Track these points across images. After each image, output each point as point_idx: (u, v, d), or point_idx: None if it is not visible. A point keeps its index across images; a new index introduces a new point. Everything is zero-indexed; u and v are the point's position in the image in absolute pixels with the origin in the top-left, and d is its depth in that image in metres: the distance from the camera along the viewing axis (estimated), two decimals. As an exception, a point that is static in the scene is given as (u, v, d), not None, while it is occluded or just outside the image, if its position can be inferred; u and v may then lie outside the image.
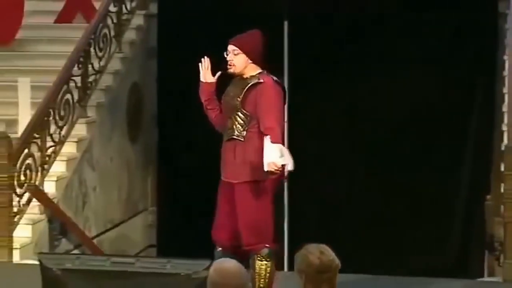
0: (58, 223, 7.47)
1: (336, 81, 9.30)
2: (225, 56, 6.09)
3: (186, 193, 9.43)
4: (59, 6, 9.54)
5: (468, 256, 8.93)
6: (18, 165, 7.06)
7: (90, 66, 8.29)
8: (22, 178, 7.09)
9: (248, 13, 9.06)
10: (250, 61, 6.08)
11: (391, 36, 9.13)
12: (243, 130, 6.05)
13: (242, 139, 6.04)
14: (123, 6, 9.00)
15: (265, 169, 5.84)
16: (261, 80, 6.08)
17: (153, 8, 9.57)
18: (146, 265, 4.04)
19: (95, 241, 8.13)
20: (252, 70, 6.10)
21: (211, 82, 6.12)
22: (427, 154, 9.10)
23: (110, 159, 8.71)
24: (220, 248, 6.06)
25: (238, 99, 6.08)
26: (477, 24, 8.98)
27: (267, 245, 6.02)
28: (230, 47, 6.10)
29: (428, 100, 9.10)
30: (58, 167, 7.72)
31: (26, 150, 7.19)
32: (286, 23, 9.37)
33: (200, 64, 6.19)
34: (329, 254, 3.71)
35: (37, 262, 4.10)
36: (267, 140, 5.85)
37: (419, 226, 9.03)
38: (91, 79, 8.33)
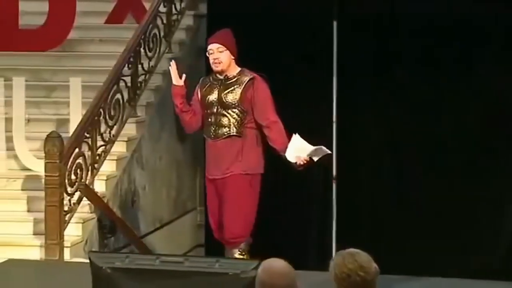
0: (108, 222, 7.53)
1: (386, 81, 9.24)
2: (208, 55, 6.17)
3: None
4: (110, 7, 9.64)
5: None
6: (69, 164, 7.14)
7: (140, 66, 8.36)
8: (73, 177, 7.17)
9: (297, 13, 9.06)
10: (233, 58, 6.22)
11: (442, 35, 9.06)
12: (241, 127, 6.12)
13: (240, 136, 6.12)
14: (173, 6, 9.06)
15: (293, 160, 5.94)
16: (252, 76, 6.20)
17: (203, 8, 9.61)
18: (194, 264, 4.06)
19: (144, 240, 8.19)
20: (234, 67, 6.23)
21: (182, 85, 6.25)
22: (477, 154, 9.01)
23: (159, 158, 8.77)
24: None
25: (236, 96, 6.15)
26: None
27: (249, 238, 6.13)
28: (214, 46, 6.21)
29: (479, 100, 9.00)
30: (108, 166, 7.79)
31: (76, 150, 7.27)
32: (335, 23, 9.34)
33: (170, 67, 6.29)
34: (364, 260, 3.59)
35: (87, 261, 4.14)
36: (296, 136, 5.95)
37: (470, 226, 8.95)
38: (141, 79, 8.39)
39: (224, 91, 6.20)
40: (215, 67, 6.18)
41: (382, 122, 9.30)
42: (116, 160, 7.94)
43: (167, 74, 9.02)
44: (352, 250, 3.62)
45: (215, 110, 6.21)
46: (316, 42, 9.27)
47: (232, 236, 6.21)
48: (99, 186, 7.62)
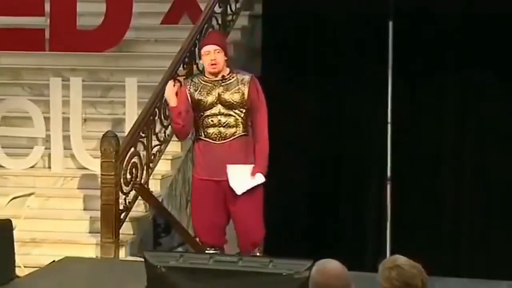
0: (162, 221, 7.57)
1: (442, 80, 9.16)
2: (202, 56, 6.14)
3: (286, 194, 9.45)
4: (165, 8, 9.70)
5: None
6: (124, 163, 7.20)
7: (195, 66, 8.39)
8: (128, 176, 7.22)
9: (352, 13, 9.03)
10: (225, 58, 6.22)
11: (495, 36, 8.95)
12: (246, 126, 6.12)
13: (247, 135, 6.12)
14: (228, 6, 9.08)
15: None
16: (251, 75, 6.22)
17: (258, 8, 9.62)
18: (248, 264, 4.07)
19: (197, 239, 8.22)
20: (225, 67, 6.21)
21: (178, 105, 6.21)
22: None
23: (214, 158, 8.79)
24: (211, 249, 6.12)
25: (244, 95, 6.14)
26: None
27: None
28: (211, 47, 6.18)
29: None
30: (163, 166, 7.84)
31: (132, 149, 7.33)
32: (391, 23, 9.28)
33: (168, 88, 6.22)
34: (409, 276, 3.50)
35: (142, 259, 4.18)
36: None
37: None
38: (195, 79, 8.42)
39: (227, 91, 6.19)
40: (212, 69, 6.16)
41: (438, 123, 9.22)
42: (171, 159, 7.98)
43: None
44: (398, 261, 3.54)
45: (217, 111, 6.17)
46: (371, 43, 9.23)
47: (259, 239, 6.23)
48: (154, 186, 7.66)
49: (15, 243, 6.45)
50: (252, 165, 6.22)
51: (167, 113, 7.88)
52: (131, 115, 7.76)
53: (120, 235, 7.07)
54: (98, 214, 7.09)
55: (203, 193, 6.22)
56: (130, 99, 7.91)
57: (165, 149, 7.80)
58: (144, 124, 7.51)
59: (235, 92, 6.19)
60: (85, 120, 8.14)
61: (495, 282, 6.80)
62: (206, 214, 6.20)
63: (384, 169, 9.20)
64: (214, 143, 6.18)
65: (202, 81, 6.26)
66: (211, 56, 6.16)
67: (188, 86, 6.28)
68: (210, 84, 6.22)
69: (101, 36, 9.26)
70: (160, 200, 7.66)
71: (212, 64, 6.17)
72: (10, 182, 7.75)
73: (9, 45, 9.21)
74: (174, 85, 6.27)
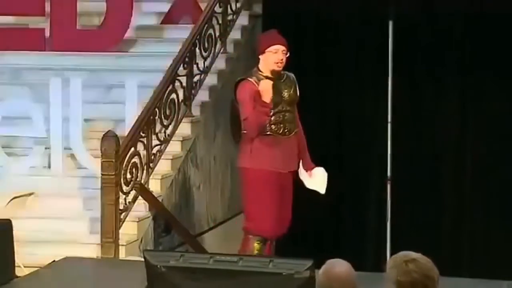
0: (163, 221, 7.58)
1: (442, 80, 9.16)
2: (269, 53, 6.23)
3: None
4: (166, 7, 9.70)
5: None
6: (124, 163, 7.20)
7: (195, 66, 8.39)
8: (128, 176, 7.22)
9: (352, 13, 9.03)
10: None
11: (496, 35, 8.95)
12: (297, 121, 6.41)
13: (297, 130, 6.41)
14: (228, 6, 9.09)
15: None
16: (292, 74, 6.48)
17: (258, 8, 9.63)
18: (248, 264, 4.06)
19: (198, 239, 8.22)
20: None
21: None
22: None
23: (214, 158, 8.80)
24: (260, 241, 6.22)
25: (297, 93, 6.40)
26: None
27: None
28: (281, 47, 6.37)
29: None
30: (163, 166, 7.84)
31: (132, 149, 7.33)
32: (391, 23, 9.29)
33: (267, 84, 6.32)
34: (428, 268, 3.50)
35: (142, 259, 4.17)
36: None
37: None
38: (196, 78, 8.43)
39: (285, 88, 6.42)
40: (277, 67, 6.34)
41: (438, 122, 9.22)
42: (171, 159, 7.98)
43: (222, 74, 9.06)
44: (413, 255, 3.52)
45: (281, 107, 6.38)
46: (371, 42, 9.23)
47: (288, 227, 6.51)
48: (154, 185, 7.67)
49: (15, 243, 6.44)
50: (319, 168, 6.42)
51: (167, 113, 7.89)
52: (131, 115, 7.75)
53: (120, 235, 7.07)
54: (98, 214, 7.09)
55: (274, 186, 6.36)
56: (131, 99, 7.91)
57: (165, 149, 7.80)
58: (145, 124, 7.51)
59: (293, 90, 6.45)
60: (85, 120, 8.14)
61: (495, 282, 6.80)
62: (267, 204, 6.34)
63: (384, 169, 9.21)
64: (282, 138, 6.41)
65: (263, 78, 6.42)
66: (279, 55, 6.36)
67: (257, 86, 6.42)
68: (273, 82, 6.42)
69: (101, 35, 9.26)
70: (160, 200, 7.66)
71: (277, 63, 6.34)
72: (10, 182, 7.75)
73: (9, 44, 9.21)
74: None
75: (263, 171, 6.38)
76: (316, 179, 6.56)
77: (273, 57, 6.35)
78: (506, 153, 8.99)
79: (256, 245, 6.35)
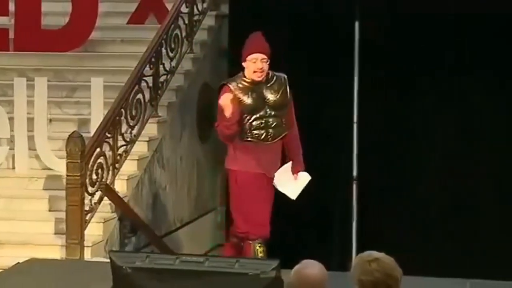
0: (129, 222, 7.55)
1: (409, 80, 9.21)
2: (249, 62, 6.16)
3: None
4: (132, 8, 9.66)
5: None
6: (90, 164, 7.16)
7: (161, 66, 8.37)
8: (94, 177, 7.19)
9: (319, 13, 9.05)
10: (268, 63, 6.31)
11: (466, 36, 9.01)
12: (286, 125, 6.23)
13: (286, 134, 6.25)
14: (195, 7, 9.07)
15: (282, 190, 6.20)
16: (284, 75, 6.30)
17: (224, 8, 9.63)
18: (214, 264, 4.06)
19: (164, 239, 8.21)
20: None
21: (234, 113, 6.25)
22: (504, 153, 8.95)
23: (180, 159, 8.79)
24: (261, 242, 6.18)
25: (286, 96, 6.24)
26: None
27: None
28: (259, 56, 6.24)
29: (509, 97, 8.94)
30: (129, 166, 7.81)
31: (98, 149, 7.29)
32: (357, 24, 9.32)
33: (226, 98, 6.22)
34: (391, 267, 3.51)
35: (108, 260, 4.15)
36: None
37: (492, 227, 8.90)
38: (162, 79, 8.41)
39: (272, 92, 6.26)
40: (257, 77, 6.22)
41: (404, 123, 9.27)
42: (137, 160, 7.96)
43: (188, 74, 9.05)
44: (376, 254, 3.53)
45: (263, 112, 6.23)
46: (337, 43, 9.26)
47: (262, 233, 6.39)
48: (120, 186, 7.64)
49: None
50: (289, 164, 6.33)
51: (133, 113, 7.86)
52: (97, 116, 7.71)
53: (86, 236, 7.04)
54: (63, 215, 7.05)
55: (258, 186, 6.27)
56: (96, 99, 7.87)
57: (131, 149, 7.77)
58: (110, 125, 7.48)
59: (281, 93, 6.27)
60: (50, 120, 8.09)
61: (459, 280, 6.85)
62: (262, 206, 6.26)
63: (350, 169, 9.23)
64: (265, 144, 6.25)
65: (247, 84, 6.28)
66: (258, 65, 6.24)
67: (235, 91, 6.29)
68: (255, 87, 6.26)
69: (66, 36, 9.21)
70: (126, 200, 7.63)
71: (256, 72, 6.22)
72: (-26, 183, 7.68)
73: (-27, 44, 9.13)
74: (231, 98, 6.26)
75: (248, 173, 6.30)
76: (297, 184, 6.41)
77: (253, 66, 6.25)
78: (474, 152, 9.05)
79: (259, 249, 6.27)
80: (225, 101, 6.22)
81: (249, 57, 6.25)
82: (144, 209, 7.99)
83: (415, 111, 9.23)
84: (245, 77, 6.29)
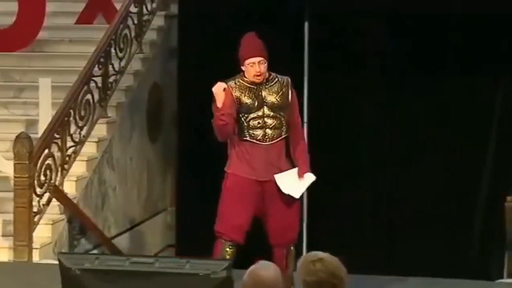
0: (78, 223, 7.49)
1: (357, 83, 9.26)
2: (247, 66, 6.17)
3: (205, 193, 9.43)
4: (80, 7, 9.59)
5: (488, 257, 8.89)
6: (38, 165, 7.10)
7: (110, 66, 8.32)
8: (42, 178, 7.12)
9: (268, 13, 9.06)
10: (266, 64, 6.29)
11: (416, 37, 9.08)
12: (286, 127, 6.24)
13: (287, 136, 6.24)
14: (144, 6, 9.03)
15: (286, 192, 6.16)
16: (288, 77, 6.30)
17: (174, 8, 9.59)
18: (164, 265, 4.04)
19: (114, 241, 8.16)
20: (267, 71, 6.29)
21: (224, 106, 6.23)
22: (448, 154, 9.06)
23: (130, 159, 8.74)
24: (233, 246, 6.15)
25: (286, 97, 6.25)
26: (501, 27, 8.92)
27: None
28: (257, 59, 6.25)
29: (450, 100, 9.05)
30: (78, 167, 7.75)
31: (46, 150, 7.22)
32: (306, 23, 9.35)
33: (219, 87, 6.21)
34: (335, 266, 3.50)
35: (56, 262, 4.12)
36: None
37: (439, 226, 9.00)
38: (111, 79, 8.36)
39: (271, 93, 6.26)
40: (256, 79, 6.23)
41: (354, 122, 9.32)
42: (86, 161, 7.90)
43: (138, 74, 9.00)
44: (320, 254, 3.53)
45: (261, 113, 6.23)
46: (287, 42, 9.27)
47: (296, 235, 6.34)
48: (69, 187, 7.57)
49: None
50: (296, 169, 6.29)
51: (82, 114, 7.80)
52: (45, 116, 7.64)
53: (34, 238, 6.97)
54: (11, 216, 6.98)
55: (243, 191, 6.21)
56: (44, 100, 7.79)
57: (80, 150, 7.71)
58: (59, 125, 7.41)
59: (281, 95, 6.27)
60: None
61: (409, 279, 6.92)
62: (242, 211, 6.20)
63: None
64: (262, 144, 6.21)
65: (247, 84, 6.26)
66: (256, 68, 6.22)
67: (233, 89, 6.26)
68: (254, 87, 6.25)
69: (13, 35, 9.10)
70: (75, 202, 7.57)
71: (256, 75, 6.22)
72: None
73: None
74: (225, 88, 6.22)
75: (238, 177, 6.26)
76: (301, 184, 6.38)
77: (252, 70, 6.25)
78: (423, 151, 9.13)
79: (227, 250, 6.25)
80: (217, 89, 6.23)
81: (247, 61, 6.26)
82: (94, 210, 7.93)
83: (365, 109, 9.28)
84: (245, 76, 6.30)
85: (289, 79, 6.37)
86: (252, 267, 3.52)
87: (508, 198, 7.50)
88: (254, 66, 6.24)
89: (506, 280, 7.84)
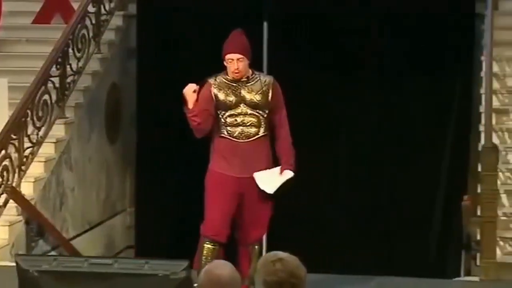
0: (36, 225, 7.43)
1: (316, 84, 9.30)
2: (226, 63, 6.18)
3: (165, 194, 9.41)
4: (37, 7, 9.51)
5: (445, 255, 8.98)
6: (-5, 166, 7.03)
7: (68, 66, 8.26)
8: (-1, 179, 7.06)
9: (227, 13, 9.06)
10: (248, 62, 6.30)
11: (368, 36, 9.15)
12: (267, 126, 6.25)
13: (267, 135, 6.25)
14: (102, 6, 8.98)
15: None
16: (271, 76, 6.32)
17: (132, 8, 9.55)
18: (124, 266, 4.04)
19: (73, 242, 8.10)
20: (248, 69, 6.29)
21: (197, 105, 6.23)
22: (405, 154, 9.13)
23: (89, 160, 8.69)
24: (216, 245, 6.15)
25: (267, 96, 6.25)
26: (455, 25, 9.03)
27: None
28: (235, 56, 6.25)
29: (405, 99, 9.13)
30: (36, 168, 7.69)
31: (3, 151, 7.16)
32: (265, 24, 9.36)
33: (189, 89, 6.20)
34: (294, 266, 3.50)
35: (13, 264, 4.08)
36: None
37: (396, 226, 9.06)
38: (69, 79, 8.30)
39: (251, 91, 6.26)
40: (235, 76, 6.22)
41: (315, 123, 9.35)
42: (44, 162, 7.84)
43: (96, 75, 8.95)
44: (280, 254, 3.54)
45: (239, 110, 6.22)
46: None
47: (263, 234, 6.33)
48: (27, 189, 7.51)
49: None
50: (278, 168, 6.28)
51: (40, 114, 7.74)
52: (2, 117, 7.56)
53: (-9, 240, 6.89)
54: (-33, 219, 6.89)
55: (222, 187, 6.19)
56: (1, 100, 7.71)
57: (38, 151, 7.65)
58: (16, 126, 7.35)
59: (260, 93, 6.25)
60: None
61: (366, 278, 6.96)
62: (220, 207, 6.18)
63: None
64: (238, 141, 6.20)
65: (226, 81, 6.24)
66: (234, 65, 6.20)
67: (212, 86, 6.23)
68: (234, 84, 6.24)
69: (-31, 35, 9.01)
70: (33, 203, 7.51)
71: (234, 72, 6.20)
72: None
73: None
74: (195, 89, 6.19)
75: (218, 174, 6.25)
76: (276, 179, 6.37)
77: (230, 66, 6.25)
78: (376, 155, 9.19)
79: (205, 246, 6.25)
80: (187, 90, 6.22)
81: (226, 57, 6.26)
82: (52, 211, 7.88)
83: (322, 113, 9.32)
84: (227, 74, 6.30)
85: (272, 79, 6.37)
86: (207, 266, 3.52)
87: (465, 198, 7.58)
88: (232, 63, 6.25)
89: (463, 279, 7.93)
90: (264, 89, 6.31)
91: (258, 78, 6.35)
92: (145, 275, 3.95)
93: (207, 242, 6.24)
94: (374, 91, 9.15)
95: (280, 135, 6.40)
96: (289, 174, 6.37)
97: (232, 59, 6.24)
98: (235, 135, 6.24)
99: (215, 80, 6.31)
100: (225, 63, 6.31)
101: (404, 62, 9.09)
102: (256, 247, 6.41)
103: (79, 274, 4.00)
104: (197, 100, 6.23)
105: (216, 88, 6.28)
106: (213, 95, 6.26)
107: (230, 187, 6.21)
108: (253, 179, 6.24)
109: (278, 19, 9.31)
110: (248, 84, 6.30)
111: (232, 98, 6.25)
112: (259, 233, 6.41)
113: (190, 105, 6.24)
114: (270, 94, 6.32)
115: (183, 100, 6.29)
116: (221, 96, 6.27)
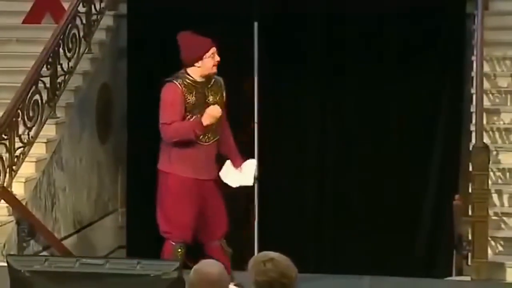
0: (27, 225, 7.42)
1: (306, 83, 9.31)
2: (208, 57, 6.17)
3: (156, 194, 9.39)
4: (27, 7, 9.49)
5: (437, 255, 8.99)
6: (-14, 166, 7.01)
7: (59, 66, 8.25)
8: (-10, 179, 7.04)
9: (218, 13, 9.06)
10: None
11: (359, 36, 9.17)
12: (221, 127, 6.23)
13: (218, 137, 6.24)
14: (92, 6, 8.97)
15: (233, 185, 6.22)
16: (221, 78, 6.31)
17: (123, 8, 9.54)
18: (115, 266, 4.04)
19: (64, 242, 8.09)
20: None
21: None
22: (395, 153, 9.14)
23: (80, 160, 8.68)
24: (181, 245, 6.16)
25: (223, 99, 6.25)
26: (445, 24, 9.05)
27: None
28: (214, 49, 6.22)
29: (396, 99, 9.15)
30: (27, 168, 7.68)
31: (-6, 151, 7.14)
32: (256, 24, 9.37)
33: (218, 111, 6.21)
34: (285, 266, 3.52)
35: (5, 264, 4.08)
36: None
37: (387, 225, 9.08)
38: (60, 79, 8.29)
39: (213, 93, 6.24)
40: (215, 69, 6.20)
41: (305, 123, 9.36)
42: (35, 162, 7.83)
43: (87, 75, 8.94)
44: (271, 254, 3.55)
45: (204, 112, 6.18)
46: (236, 42, 9.29)
47: (225, 231, 6.35)
48: (18, 189, 7.50)
49: None
50: (228, 161, 6.36)
51: (31, 114, 7.72)
52: (-8, 117, 7.55)
53: (-18, 241, 6.88)
54: (-42, 219, 6.88)
55: (187, 191, 6.18)
56: (-9, 100, 7.70)
57: (29, 151, 7.64)
58: (7, 126, 7.34)
59: (220, 94, 6.24)
60: None
61: (358, 277, 6.98)
62: (188, 210, 6.17)
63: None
64: (203, 144, 6.17)
65: (189, 82, 6.20)
66: (216, 57, 6.18)
67: (182, 88, 6.19)
68: (198, 86, 6.20)
69: (-41, 35, 8.99)
70: (24, 203, 7.50)
71: (215, 65, 6.17)
72: None
73: None
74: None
75: (183, 178, 6.22)
76: (245, 173, 6.40)
77: (212, 61, 6.22)
78: (366, 152, 9.20)
79: (180, 251, 6.24)
80: (216, 113, 6.18)
81: (208, 54, 6.21)
82: (43, 211, 7.86)
83: (314, 111, 9.33)
84: (188, 75, 6.23)
85: (222, 79, 6.38)
86: (196, 265, 3.53)
87: (456, 197, 7.60)
88: (213, 56, 6.24)
89: (454, 278, 7.95)
90: (221, 90, 6.31)
91: (214, 79, 6.33)
92: (136, 275, 3.95)
93: (180, 247, 6.24)
94: (364, 91, 9.16)
95: (228, 134, 6.42)
96: (252, 162, 6.43)
97: (214, 53, 6.23)
98: (201, 137, 6.21)
99: (183, 81, 6.25)
100: (201, 62, 6.23)
101: (394, 62, 9.11)
102: (223, 244, 6.43)
103: (70, 274, 3.99)
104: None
105: (186, 91, 6.23)
106: (183, 98, 6.21)
107: (194, 189, 6.20)
108: (214, 181, 6.25)
109: (268, 19, 9.31)
110: (210, 85, 6.28)
111: (199, 101, 6.22)
112: (224, 229, 6.45)
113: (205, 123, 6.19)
114: (224, 95, 6.31)
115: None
116: (190, 98, 6.23)
